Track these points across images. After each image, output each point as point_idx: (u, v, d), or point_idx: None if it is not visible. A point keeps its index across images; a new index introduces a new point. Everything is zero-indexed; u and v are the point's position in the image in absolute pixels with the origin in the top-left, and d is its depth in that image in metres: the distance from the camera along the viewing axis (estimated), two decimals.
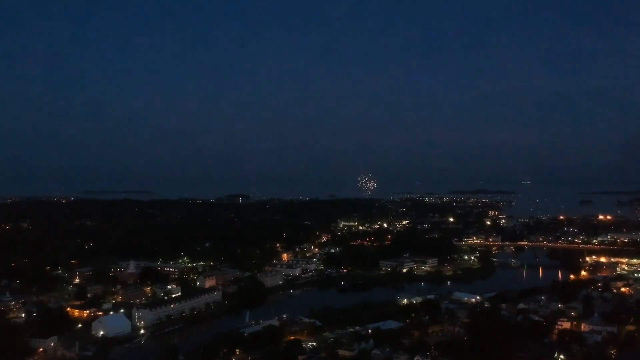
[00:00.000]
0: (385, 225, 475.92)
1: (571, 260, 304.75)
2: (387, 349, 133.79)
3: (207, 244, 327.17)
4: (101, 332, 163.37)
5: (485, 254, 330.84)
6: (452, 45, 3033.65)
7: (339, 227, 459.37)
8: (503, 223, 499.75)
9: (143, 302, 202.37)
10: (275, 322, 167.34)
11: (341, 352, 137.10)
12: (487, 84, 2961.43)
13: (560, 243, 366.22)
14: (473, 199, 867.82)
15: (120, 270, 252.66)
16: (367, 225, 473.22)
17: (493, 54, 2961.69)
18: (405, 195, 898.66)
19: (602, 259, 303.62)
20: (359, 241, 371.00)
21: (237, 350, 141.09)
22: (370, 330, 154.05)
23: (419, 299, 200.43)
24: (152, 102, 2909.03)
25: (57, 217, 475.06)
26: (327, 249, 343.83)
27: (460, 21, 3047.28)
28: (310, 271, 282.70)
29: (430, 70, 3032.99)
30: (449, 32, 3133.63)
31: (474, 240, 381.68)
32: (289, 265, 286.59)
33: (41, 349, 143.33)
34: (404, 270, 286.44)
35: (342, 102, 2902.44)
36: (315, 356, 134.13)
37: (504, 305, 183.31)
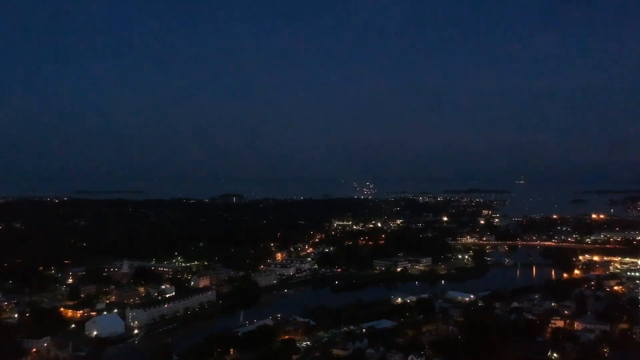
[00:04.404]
0: (379, 224, 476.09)
1: (564, 259, 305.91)
2: (381, 348, 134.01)
3: (200, 244, 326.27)
4: (95, 332, 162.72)
5: (479, 253, 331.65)
6: (447, 45, 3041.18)
7: (333, 226, 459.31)
8: (497, 222, 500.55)
9: (137, 302, 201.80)
10: (269, 321, 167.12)
11: (335, 351, 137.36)
12: (481, 84, 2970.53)
13: (554, 242, 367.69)
14: (467, 198, 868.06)
15: (114, 270, 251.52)
16: (361, 224, 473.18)
17: (488, 54, 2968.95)
18: (399, 195, 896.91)
19: (595, 258, 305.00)
20: (353, 240, 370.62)
21: (231, 349, 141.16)
22: (364, 330, 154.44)
23: (413, 298, 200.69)
24: (145, 101, 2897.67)
25: (50, 217, 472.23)
26: (321, 248, 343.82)
27: (455, 21, 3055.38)
28: (304, 271, 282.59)
29: (425, 70, 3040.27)
30: (444, 32, 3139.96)
31: (468, 239, 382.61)
32: (283, 265, 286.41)
33: (34, 349, 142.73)
34: (398, 269, 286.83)
35: (336, 102, 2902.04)
36: (310, 355, 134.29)
37: (497, 304, 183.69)
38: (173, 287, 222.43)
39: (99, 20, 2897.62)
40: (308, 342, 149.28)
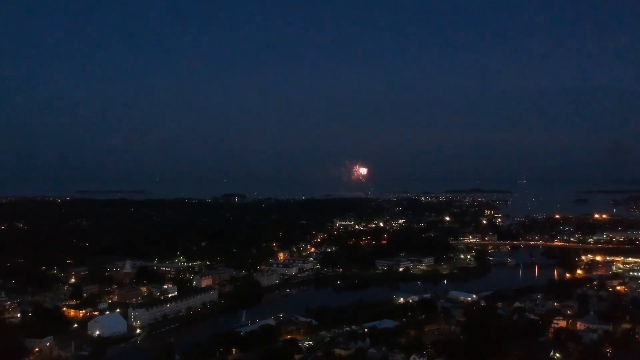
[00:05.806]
0: (381, 224, 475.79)
1: (567, 258, 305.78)
2: (384, 348, 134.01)
3: (203, 244, 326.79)
4: (97, 332, 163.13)
5: (481, 253, 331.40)
6: (447, 44, 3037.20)
7: (335, 226, 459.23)
8: (499, 222, 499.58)
9: (139, 301, 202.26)
10: (271, 321, 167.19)
11: (337, 351, 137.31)
12: (483, 83, 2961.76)
13: (556, 242, 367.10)
14: (469, 198, 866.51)
15: (116, 269, 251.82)
16: (363, 224, 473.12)
17: (489, 54, 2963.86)
18: (402, 194, 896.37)
19: (598, 258, 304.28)
20: (355, 240, 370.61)
21: (234, 349, 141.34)
22: (366, 329, 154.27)
23: (415, 298, 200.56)
24: (146, 101, 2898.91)
25: (52, 217, 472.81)
26: (323, 248, 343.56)
27: (457, 21, 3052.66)
28: (307, 270, 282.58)
29: (426, 69, 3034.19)
30: (444, 32, 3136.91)
31: (470, 239, 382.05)
32: (285, 265, 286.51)
33: (37, 349, 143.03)
34: (400, 269, 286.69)
35: (338, 101, 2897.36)
36: (312, 355, 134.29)
37: (499, 304, 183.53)
38: (175, 286, 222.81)
39: (99, 20, 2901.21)
40: (310, 342, 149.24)
